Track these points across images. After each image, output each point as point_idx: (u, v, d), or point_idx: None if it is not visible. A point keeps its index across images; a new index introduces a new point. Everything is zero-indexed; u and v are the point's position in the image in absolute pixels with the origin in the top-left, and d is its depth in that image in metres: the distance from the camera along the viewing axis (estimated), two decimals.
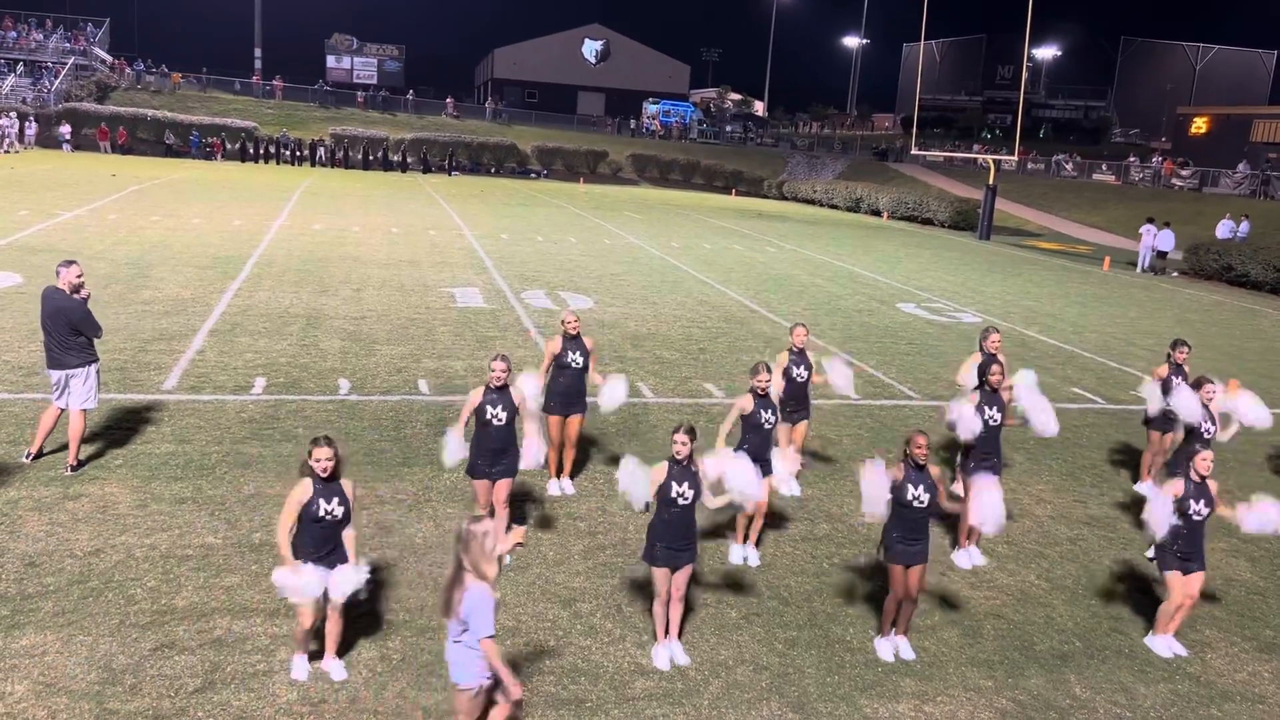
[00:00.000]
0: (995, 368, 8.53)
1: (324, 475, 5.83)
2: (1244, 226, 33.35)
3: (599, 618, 7.00)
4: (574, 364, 9.07)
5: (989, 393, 8.49)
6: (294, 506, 5.81)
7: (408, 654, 6.33)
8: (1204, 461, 7.07)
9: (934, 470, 6.74)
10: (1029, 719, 6.22)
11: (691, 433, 6.39)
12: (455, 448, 7.43)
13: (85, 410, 8.84)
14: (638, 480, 6.39)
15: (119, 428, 9.88)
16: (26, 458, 8.82)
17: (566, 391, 9.10)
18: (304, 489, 5.82)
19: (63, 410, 8.80)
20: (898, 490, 6.63)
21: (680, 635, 6.66)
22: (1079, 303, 23.52)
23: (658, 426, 11.31)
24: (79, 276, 8.79)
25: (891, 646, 6.83)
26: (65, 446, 8.84)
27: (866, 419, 12.33)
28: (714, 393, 12.88)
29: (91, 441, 9.38)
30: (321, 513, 5.79)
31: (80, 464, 8.78)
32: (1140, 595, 8.11)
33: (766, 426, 7.95)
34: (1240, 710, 6.54)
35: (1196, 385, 9.26)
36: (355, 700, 5.80)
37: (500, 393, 7.54)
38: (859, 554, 8.45)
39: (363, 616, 6.52)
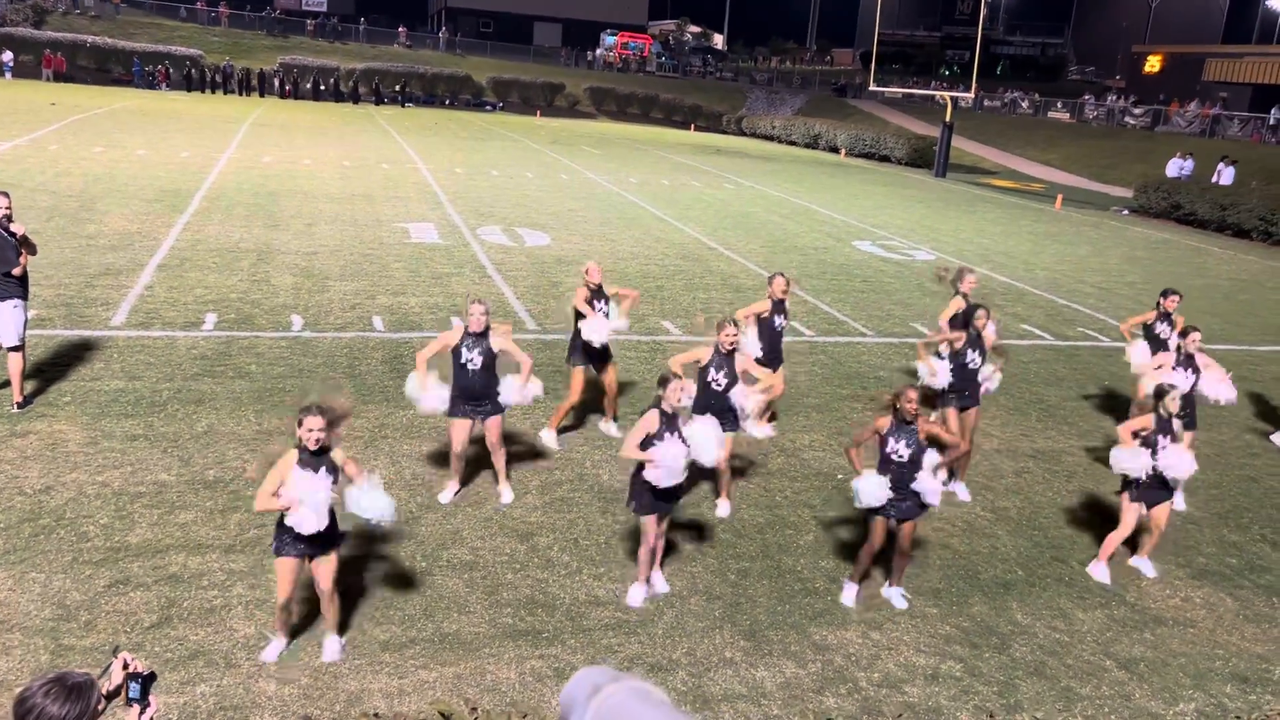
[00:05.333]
0: (981, 313, 8.69)
1: (313, 448, 5.39)
2: (1189, 164, 33.74)
3: (556, 551, 7.10)
4: (602, 314, 8.86)
5: (973, 337, 8.65)
6: (275, 478, 5.31)
7: (366, 589, 6.39)
8: (1173, 401, 7.28)
9: (924, 425, 6.61)
10: (971, 644, 6.45)
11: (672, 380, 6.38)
12: (429, 398, 7.36)
13: (14, 348, 8.49)
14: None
15: (66, 364, 9.72)
16: None
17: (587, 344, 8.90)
18: (288, 461, 5.36)
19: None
20: (880, 442, 6.63)
21: (661, 565, 6.83)
22: (1031, 240, 23.80)
23: (615, 363, 11.32)
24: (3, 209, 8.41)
25: (855, 592, 6.81)
26: (7, 384, 8.68)
27: (821, 355, 12.46)
28: (671, 330, 12.92)
29: (38, 378, 9.23)
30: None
31: (27, 401, 8.64)
32: (1081, 526, 8.37)
33: (715, 387, 7.68)
34: (1171, 634, 6.82)
35: (1183, 334, 9.38)
36: (312, 634, 5.85)
37: (477, 338, 7.43)
38: (822, 489, 8.62)
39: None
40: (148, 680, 3.15)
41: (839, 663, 6.11)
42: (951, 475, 8.81)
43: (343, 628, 5.87)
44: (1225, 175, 31.61)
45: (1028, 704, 5.91)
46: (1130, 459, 7.21)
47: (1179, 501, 8.89)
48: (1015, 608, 6.96)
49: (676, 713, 1.26)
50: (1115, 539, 7.47)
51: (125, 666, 3.12)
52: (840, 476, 8.85)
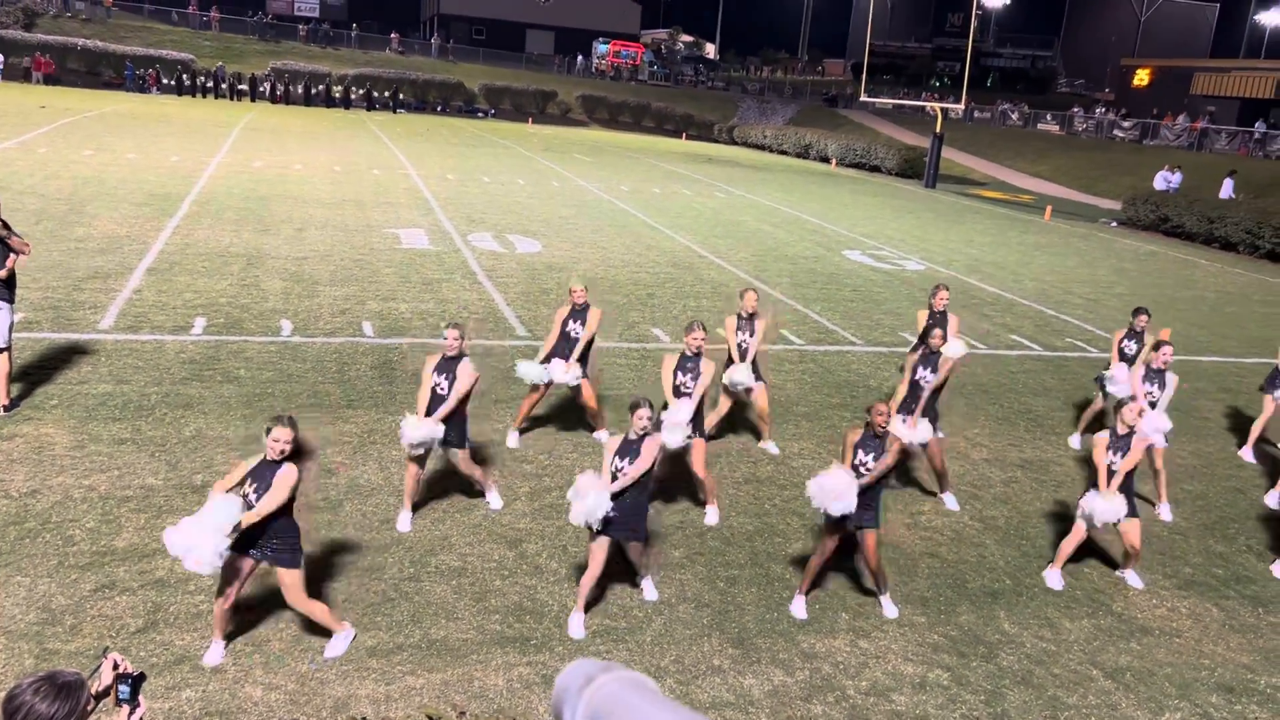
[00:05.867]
0: (937, 332, 8.63)
1: (274, 458, 5.45)
2: (1176, 177, 34.01)
3: (545, 558, 7.09)
4: (573, 334, 8.85)
5: (926, 354, 8.61)
6: (235, 474, 5.48)
7: (353, 595, 6.37)
8: (1130, 411, 7.33)
9: (894, 439, 6.61)
10: (959, 653, 6.46)
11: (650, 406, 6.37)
12: (424, 431, 7.14)
13: (0, 350, 8.46)
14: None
15: (53, 367, 9.67)
16: None
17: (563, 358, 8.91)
18: (243, 466, 5.53)
19: None
20: (850, 453, 6.63)
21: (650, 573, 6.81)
22: (1020, 251, 23.91)
23: (604, 370, 11.35)
24: None
25: (803, 604, 6.76)
26: None
27: (810, 364, 12.49)
28: (661, 338, 12.94)
29: (25, 381, 9.18)
30: (241, 493, 5.45)
31: (13, 404, 8.59)
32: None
33: (684, 391, 7.89)
34: (1157, 643, 6.85)
35: (1155, 347, 9.42)
36: (299, 640, 5.84)
37: (449, 363, 7.33)
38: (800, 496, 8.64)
39: (308, 561, 6.51)
40: (137, 681, 3.14)
41: (827, 671, 6.12)
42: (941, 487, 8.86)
43: (328, 630, 5.86)
44: (1226, 188, 31.80)
45: (1015, 713, 5.93)
46: (1104, 508, 7.23)
47: (1165, 513, 8.94)
48: (1003, 617, 6.98)
49: (668, 702, 1.26)
50: (1066, 546, 7.55)
51: (115, 667, 3.12)
52: None
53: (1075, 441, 10.68)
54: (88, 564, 6.34)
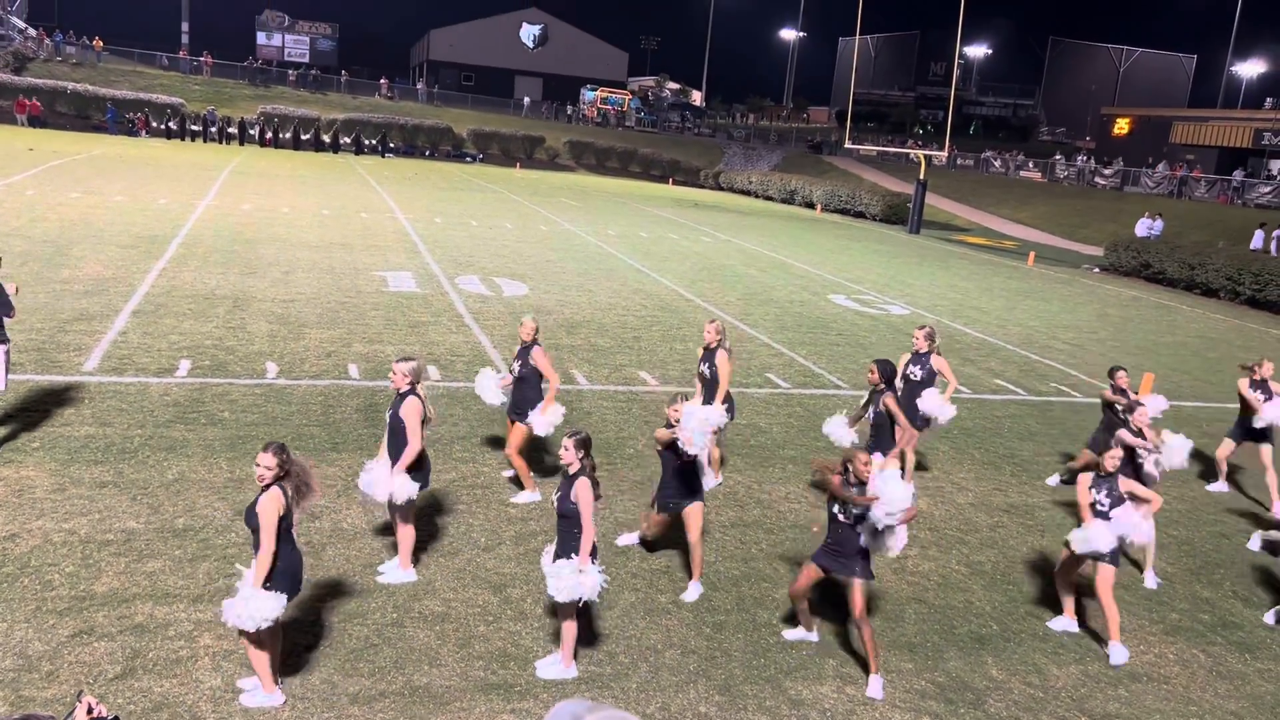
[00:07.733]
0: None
1: (259, 482, 5.42)
2: (1158, 224, 34.51)
3: (529, 603, 7.03)
4: (511, 369, 8.85)
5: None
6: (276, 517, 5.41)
7: (335, 640, 6.29)
8: (1111, 459, 7.34)
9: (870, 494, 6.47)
10: (947, 699, 6.41)
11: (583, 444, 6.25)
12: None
13: None
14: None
15: (36, 409, 9.59)
16: None
17: (511, 396, 8.86)
18: (276, 497, 5.42)
19: None
20: (829, 500, 6.58)
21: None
22: (1004, 297, 24.10)
23: (591, 414, 11.34)
24: None
25: (800, 634, 6.89)
26: None
27: (796, 408, 12.51)
28: (648, 380, 12.94)
29: (7, 423, 9.10)
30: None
31: None
32: (1055, 580, 8.37)
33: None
34: (1146, 690, 6.82)
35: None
36: (282, 686, 5.74)
37: (396, 399, 7.11)
38: (786, 540, 8.60)
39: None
40: None
41: (814, 718, 6.06)
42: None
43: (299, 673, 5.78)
44: (1257, 239, 31.80)
45: None
46: (1095, 537, 7.18)
47: (1150, 580, 8.66)
48: (990, 663, 6.94)
49: None
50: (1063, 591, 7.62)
51: (89, 711, 3.07)
52: (816, 529, 8.83)
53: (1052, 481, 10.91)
54: (66, 609, 6.25)
